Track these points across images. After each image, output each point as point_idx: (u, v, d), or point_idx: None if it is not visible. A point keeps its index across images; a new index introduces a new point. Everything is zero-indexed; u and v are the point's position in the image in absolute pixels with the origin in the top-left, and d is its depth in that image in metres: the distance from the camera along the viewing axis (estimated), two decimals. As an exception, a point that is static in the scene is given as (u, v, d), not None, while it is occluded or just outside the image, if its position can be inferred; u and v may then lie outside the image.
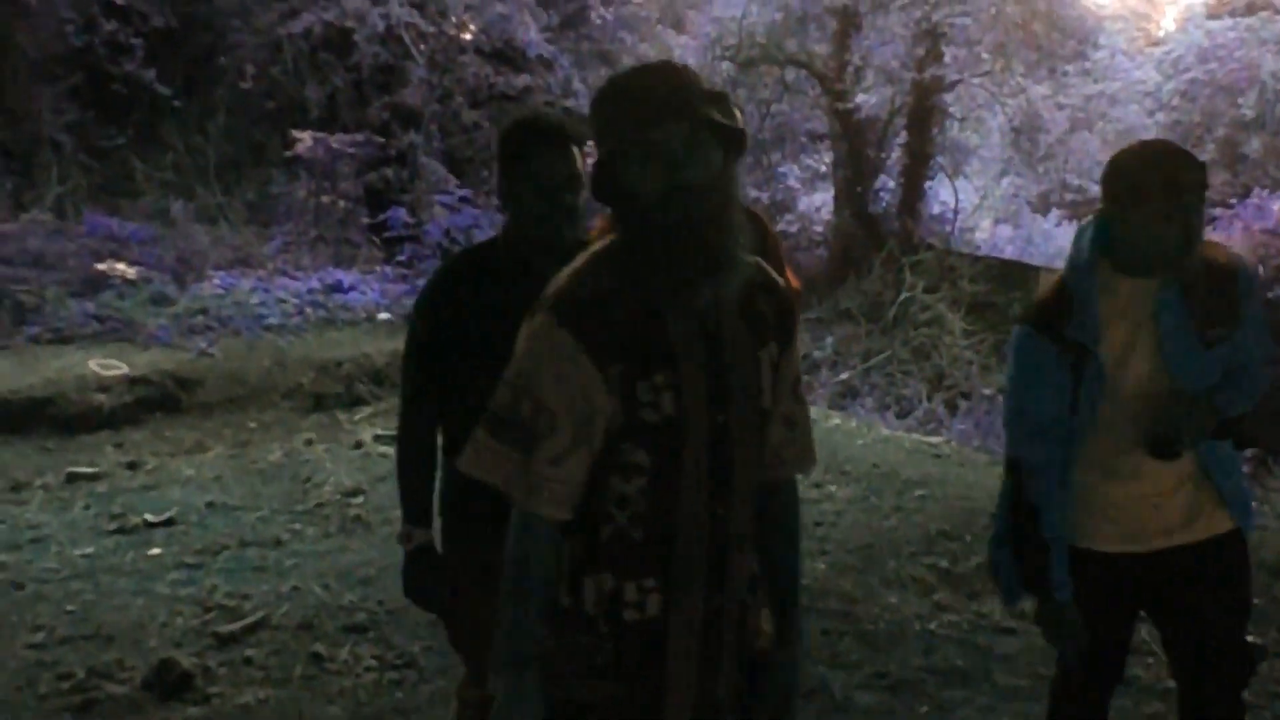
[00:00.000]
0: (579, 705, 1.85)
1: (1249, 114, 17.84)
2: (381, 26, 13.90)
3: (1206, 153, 18.90)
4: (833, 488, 6.24)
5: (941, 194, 16.16)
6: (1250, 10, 18.93)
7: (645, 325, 1.78)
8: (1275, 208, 9.79)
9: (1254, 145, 17.77)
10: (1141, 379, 2.46)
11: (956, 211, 15.98)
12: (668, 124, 1.70)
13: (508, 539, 1.82)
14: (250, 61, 13.73)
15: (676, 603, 1.82)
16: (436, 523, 2.58)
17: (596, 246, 1.89)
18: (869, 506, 5.99)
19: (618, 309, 1.78)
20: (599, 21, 16.32)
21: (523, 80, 15.11)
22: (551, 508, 1.79)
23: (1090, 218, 2.56)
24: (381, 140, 12.30)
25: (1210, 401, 2.47)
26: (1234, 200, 10.69)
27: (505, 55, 15.25)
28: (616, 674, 1.83)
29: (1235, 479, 2.63)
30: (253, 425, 7.30)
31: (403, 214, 11.23)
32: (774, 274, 1.98)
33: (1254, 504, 2.69)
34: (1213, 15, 19.96)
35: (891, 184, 15.13)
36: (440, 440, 2.54)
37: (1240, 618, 2.65)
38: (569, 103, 15.60)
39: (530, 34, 14.93)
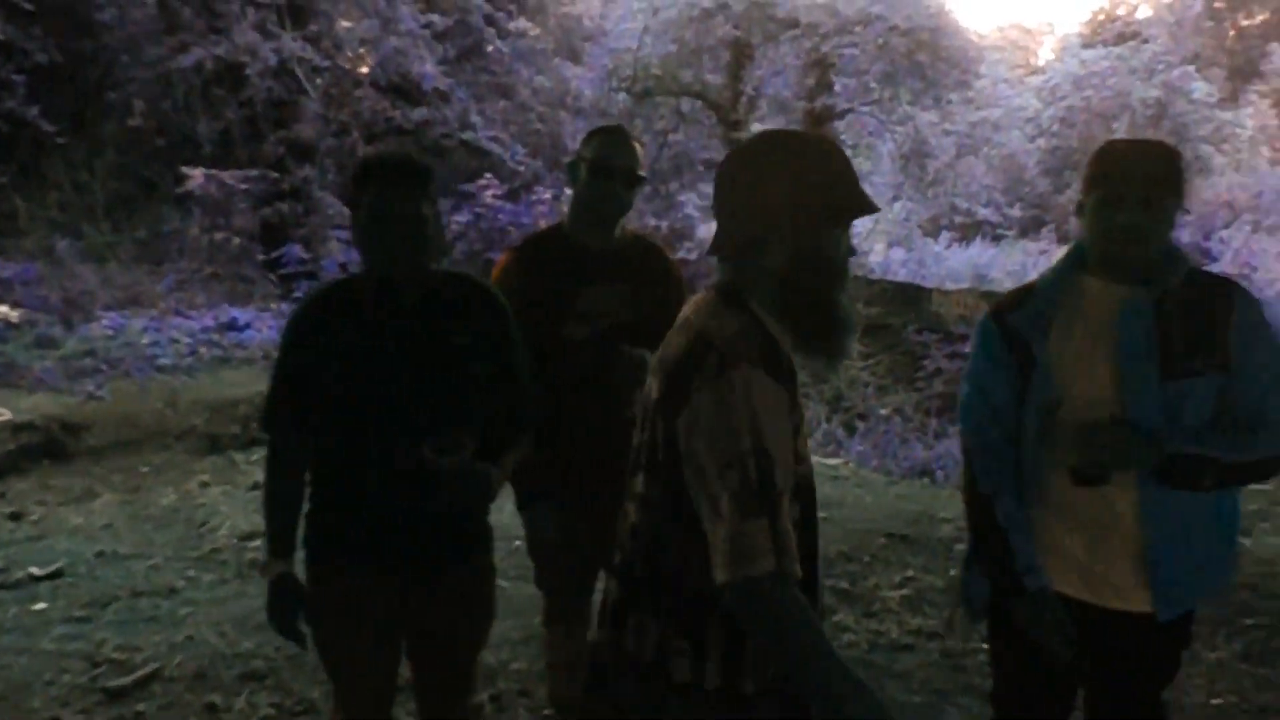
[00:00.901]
0: None
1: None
2: (274, 61, 13.75)
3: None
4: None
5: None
6: (1120, 40, 19.80)
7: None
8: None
9: (1129, 168, 18.52)
10: (1091, 399, 2.27)
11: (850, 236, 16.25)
12: None
13: (776, 623, 1.61)
14: (140, 97, 13.48)
15: None
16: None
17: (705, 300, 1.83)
18: (769, 530, 6.07)
19: (783, 358, 1.77)
20: (496, 54, 16.36)
21: (419, 114, 15.06)
22: (796, 564, 1.65)
23: None
24: (276, 175, 12.15)
25: (1154, 437, 2.20)
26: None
27: (401, 89, 15.19)
28: None
29: (1182, 549, 2.31)
30: (145, 470, 7.12)
31: (298, 250, 11.08)
32: None
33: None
34: (1087, 45, 20.83)
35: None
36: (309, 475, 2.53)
37: (1165, 684, 2.49)
38: (466, 135, 15.61)
39: (426, 67, 14.91)
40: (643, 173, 2.96)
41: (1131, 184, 2.20)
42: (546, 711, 3.68)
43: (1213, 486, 2.25)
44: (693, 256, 16.05)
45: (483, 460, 2.35)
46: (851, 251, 1.84)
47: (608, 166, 2.90)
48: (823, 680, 1.59)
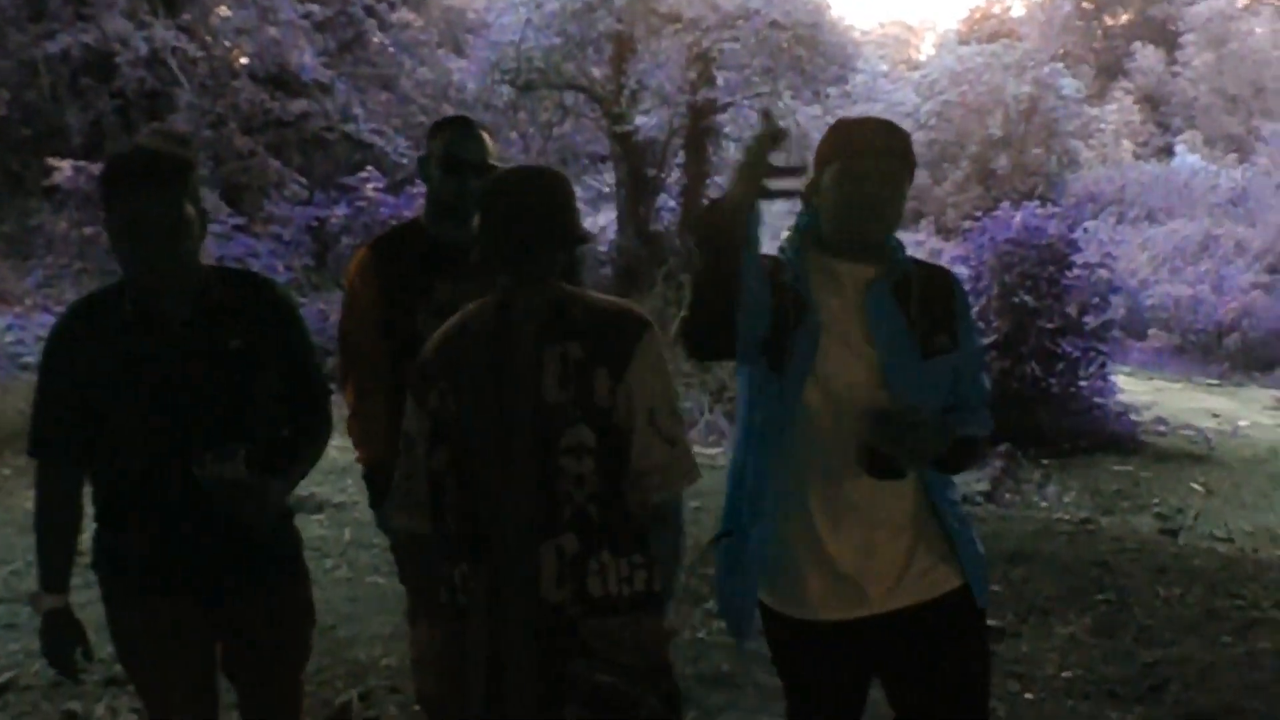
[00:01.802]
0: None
1: (997, 133, 19.23)
2: (145, 50, 13.38)
3: (961, 169, 20.31)
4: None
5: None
6: (994, 38, 20.42)
7: None
8: (1015, 219, 10.52)
9: (1002, 162, 19.19)
10: (849, 382, 2.16)
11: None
12: None
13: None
14: (3, 85, 12.99)
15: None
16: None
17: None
18: (644, 522, 6.15)
19: None
20: (378, 46, 16.16)
21: (299, 105, 14.80)
22: None
23: None
24: (149, 169, 11.77)
25: (943, 419, 2.16)
26: (979, 214, 11.47)
27: (280, 80, 14.90)
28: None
29: (968, 529, 2.29)
30: (6, 472, 6.90)
31: (171, 244, 10.76)
32: None
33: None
34: (964, 41, 21.43)
35: (672, 203, 15.54)
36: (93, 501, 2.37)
37: (980, 692, 2.34)
38: (348, 128, 15.39)
39: (305, 58, 14.65)
40: (494, 162, 2.92)
41: (872, 157, 2.13)
42: (415, 708, 3.69)
43: (967, 468, 2.31)
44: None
45: (271, 469, 2.22)
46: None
47: (458, 160, 2.85)
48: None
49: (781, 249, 2.23)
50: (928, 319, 2.20)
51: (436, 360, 2.10)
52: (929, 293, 2.22)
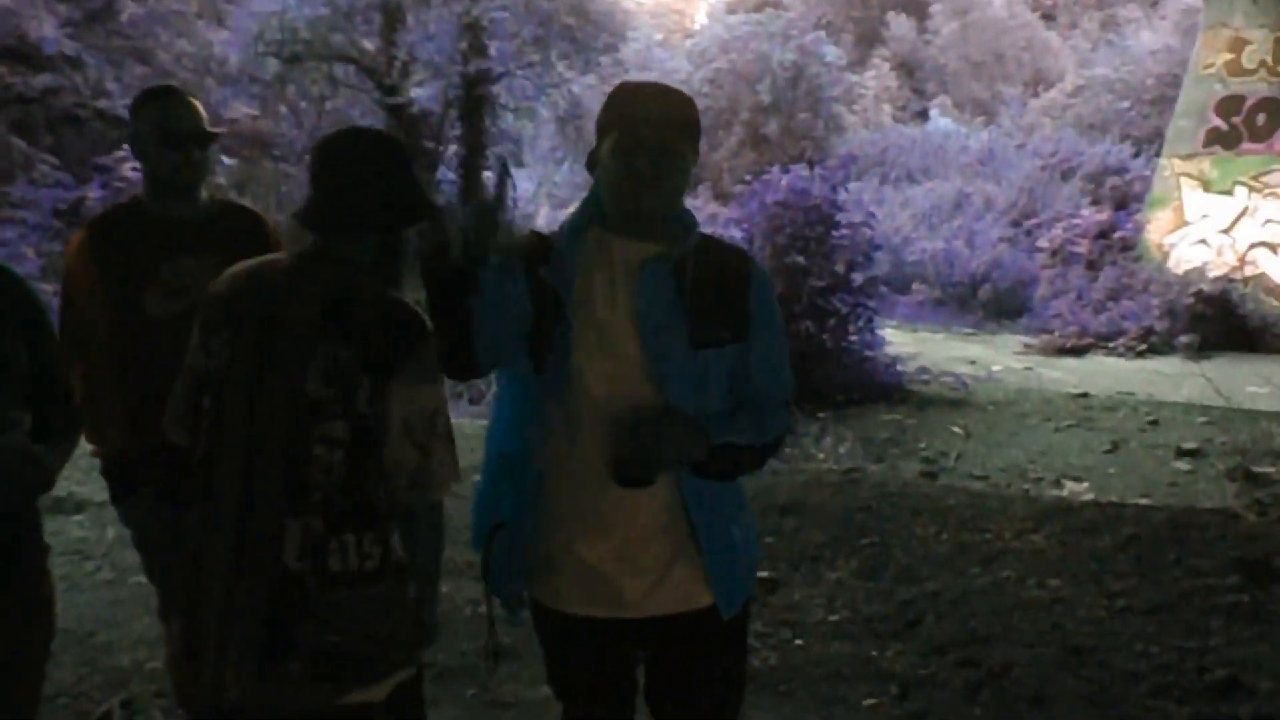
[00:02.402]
0: None
1: (766, 99, 19.84)
2: None
3: (735, 135, 20.87)
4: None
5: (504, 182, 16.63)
6: (760, 7, 20.99)
7: None
8: (783, 181, 10.90)
9: (772, 127, 19.82)
10: (613, 373, 2.05)
11: (515, 200, 16.49)
12: None
13: None
14: None
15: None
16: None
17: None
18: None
19: None
20: (131, 18, 15.28)
21: (44, 80, 13.89)
22: None
23: None
24: (-127, 152, 10.85)
25: (698, 422, 2.04)
26: (749, 177, 11.84)
27: (20, 53, 13.93)
28: None
29: (725, 540, 2.17)
30: None
31: (-98, 233, 10.01)
32: None
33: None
34: (731, 10, 21.94)
35: (451, 175, 15.39)
36: None
37: (730, 705, 2.31)
38: (102, 104, 14.52)
39: (46, 30, 13.73)
40: (213, 129, 2.84)
41: (649, 126, 2.02)
42: (181, 710, 3.62)
43: (742, 474, 2.20)
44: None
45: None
46: None
47: (175, 132, 2.76)
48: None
49: (561, 226, 2.16)
50: (705, 306, 2.07)
51: (228, 303, 2.13)
52: (712, 276, 2.10)
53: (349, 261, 2.12)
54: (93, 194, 11.38)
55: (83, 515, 6.08)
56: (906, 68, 28.27)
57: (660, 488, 2.07)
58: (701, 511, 2.13)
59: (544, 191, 18.21)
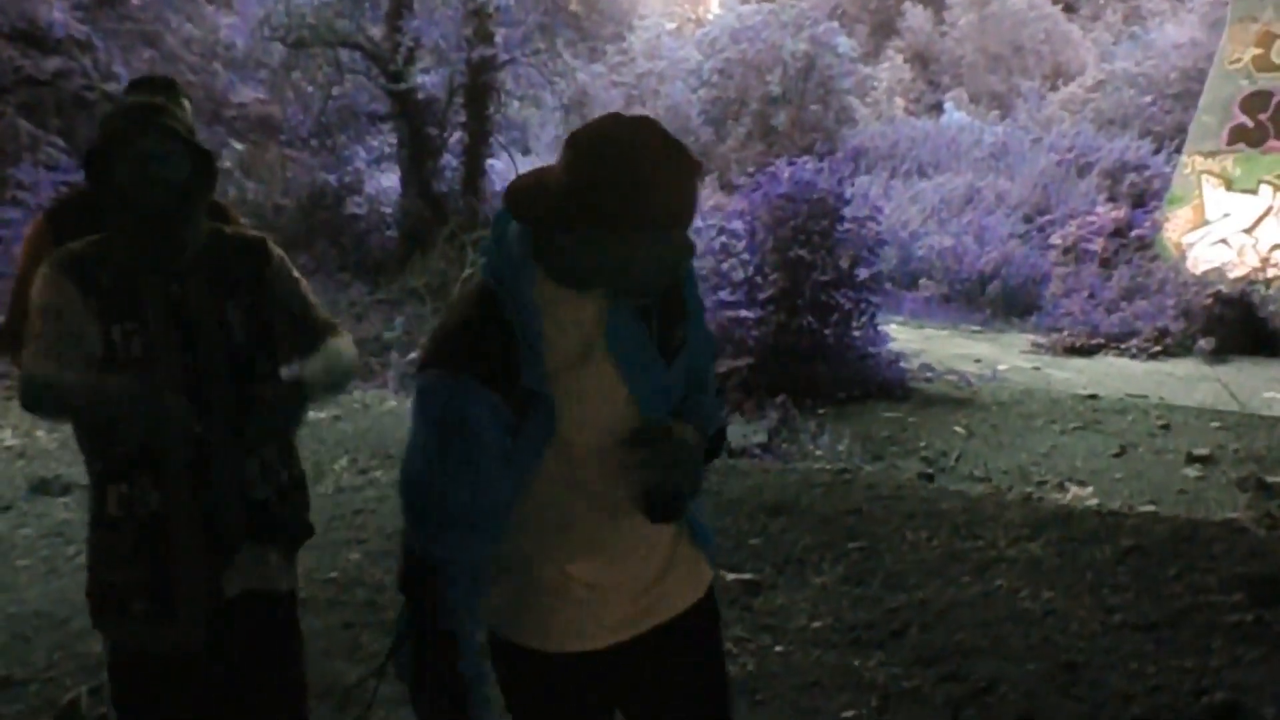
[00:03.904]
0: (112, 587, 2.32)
1: (776, 90, 19.66)
2: None
3: (743, 126, 20.69)
4: (378, 473, 6.21)
5: (507, 172, 16.50)
6: (772, -4, 20.77)
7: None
8: (787, 173, 10.74)
9: (782, 118, 19.64)
10: (610, 425, 1.86)
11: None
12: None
13: None
14: None
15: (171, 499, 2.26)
16: None
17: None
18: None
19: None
20: (140, 2, 15.23)
21: (54, 63, 13.84)
22: None
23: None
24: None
25: (694, 429, 1.93)
26: (752, 169, 11.68)
27: (30, 36, 13.89)
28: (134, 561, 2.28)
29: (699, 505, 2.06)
30: None
31: (-82, 215, 9.96)
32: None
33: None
34: (744, 0, 21.74)
35: (455, 163, 15.26)
36: None
37: (724, 703, 2.17)
38: (110, 87, 14.45)
39: (55, 13, 13.68)
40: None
41: (679, 225, 1.80)
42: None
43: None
44: (363, 211, 15.70)
45: None
46: None
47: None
48: None
49: (504, 281, 1.79)
50: (664, 316, 1.93)
51: (105, 288, 2.22)
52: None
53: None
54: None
55: (68, 498, 6.02)
56: (921, 60, 28.01)
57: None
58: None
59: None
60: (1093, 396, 10.34)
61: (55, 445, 7.00)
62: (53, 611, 4.44)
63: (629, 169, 1.67)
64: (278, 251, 2.42)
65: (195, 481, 2.23)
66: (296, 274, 2.43)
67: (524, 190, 1.75)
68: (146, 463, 2.22)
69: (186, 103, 2.86)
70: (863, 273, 10.90)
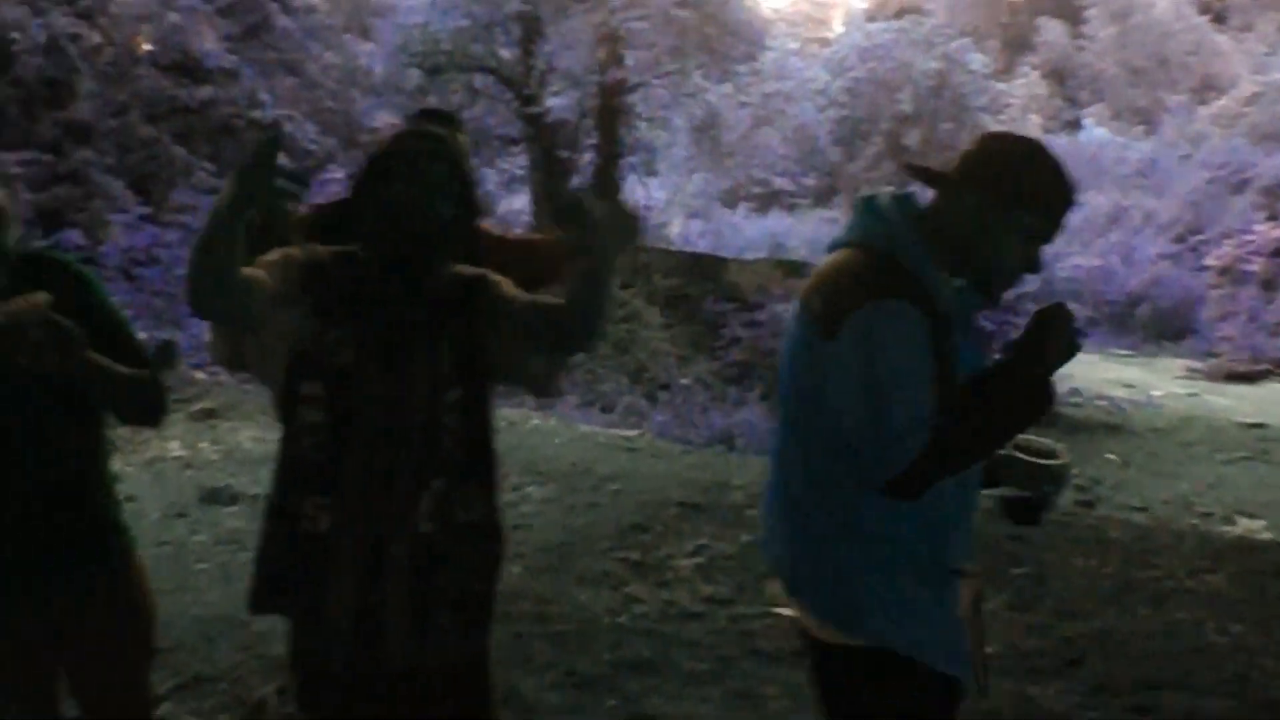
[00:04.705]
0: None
1: (907, 109, 19.36)
2: (43, 37, 12.89)
3: (873, 146, 20.42)
4: (530, 489, 6.23)
5: (636, 192, 16.59)
6: (901, 14, 20.50)
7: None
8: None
9: (913, 137, 19.33)
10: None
11: (649, 209, 16.46)
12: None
13: None
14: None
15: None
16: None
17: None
18: (564, 505, 6.01)
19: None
20: (283, 31, 15.77)
21: (204, 92, 14.42)
22: None
23: (873, 194, 1.95)
24: (51, 158, 11.38)
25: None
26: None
27: (184, 67, 14.49)
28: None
29: None
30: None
31: (76, 235, 10.42)
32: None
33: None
34: (871, 18, 21.51)
35: (586, 184, 15.40)
36: None
37: None
38: (255, 114, 15.00)
39: (208, 44, 14.26)
40: None
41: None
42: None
43: None
44: (493, 231, 15.93)
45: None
46: None
47: None
48: None
49: (897, 240, 1.88)
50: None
51: (334, 294, 2.13)
52: None
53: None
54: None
55: (236, 507, 6.15)
56: (1057, 75, 27.30)
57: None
58: None
59: (678, 201, 18.06)
60: (1258, 425, 9.83)
61: (219, 456, 7.18)
62: (234, 614, 4.48)
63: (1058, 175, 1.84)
64: (494, 279, 2.25)
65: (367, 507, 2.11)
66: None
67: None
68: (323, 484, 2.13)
69: (462, 137, 2.80)
70: (1007, 295, 10.60)
